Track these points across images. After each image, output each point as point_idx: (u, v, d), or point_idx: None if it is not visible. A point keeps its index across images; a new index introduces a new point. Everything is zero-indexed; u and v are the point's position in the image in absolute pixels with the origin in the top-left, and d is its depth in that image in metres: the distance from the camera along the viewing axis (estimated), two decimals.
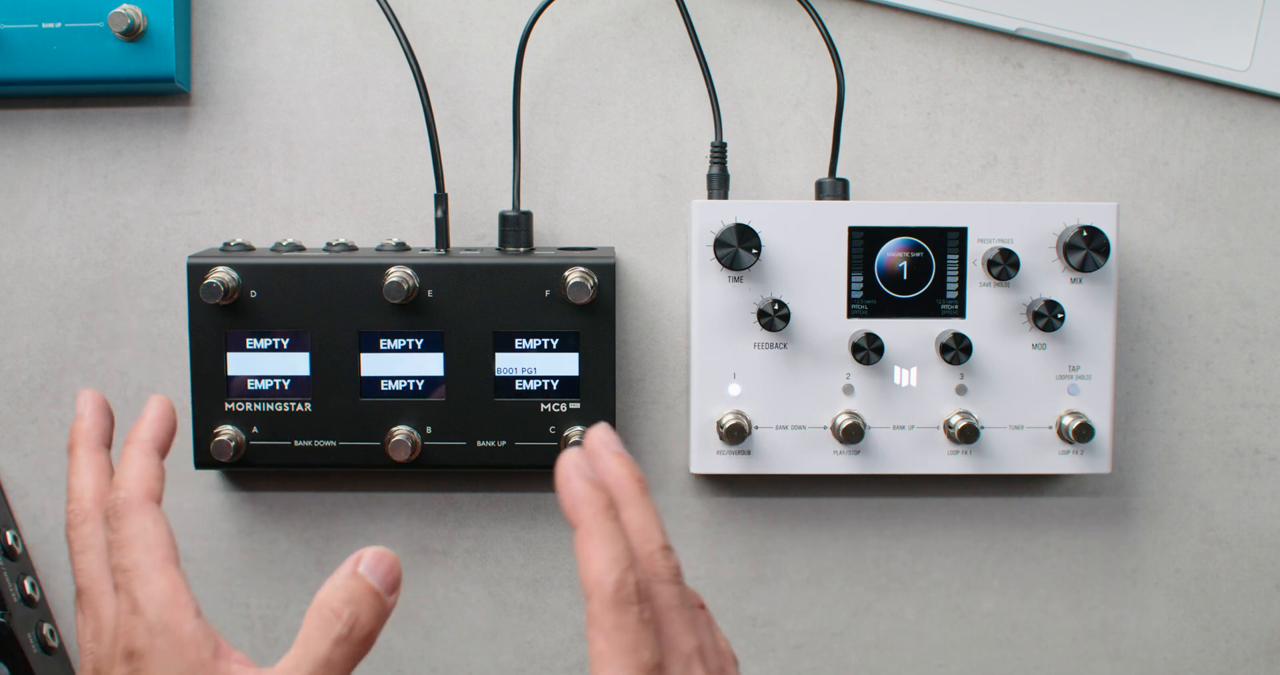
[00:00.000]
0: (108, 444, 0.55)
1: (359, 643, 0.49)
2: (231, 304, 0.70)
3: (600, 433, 0.51)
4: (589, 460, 0.50)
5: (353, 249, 0.72)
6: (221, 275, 0.69)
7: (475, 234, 0.75)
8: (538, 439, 0.71)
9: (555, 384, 0.71)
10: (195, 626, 0.49)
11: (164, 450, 0.54)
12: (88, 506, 0.53)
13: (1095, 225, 0.70)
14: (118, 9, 0.69)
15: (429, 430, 0.71)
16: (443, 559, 0.76)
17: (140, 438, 0.54)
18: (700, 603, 0.53)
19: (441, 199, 0.72)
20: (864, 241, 0.71)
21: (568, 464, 0.49)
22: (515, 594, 0.76)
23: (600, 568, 0.47)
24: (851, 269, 0.71)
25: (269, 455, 0.71)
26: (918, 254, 0.71)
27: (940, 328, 0.71)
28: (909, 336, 0.71)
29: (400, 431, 0.70)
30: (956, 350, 0.70)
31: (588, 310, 0.70)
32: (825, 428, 0.71)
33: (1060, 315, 0.70)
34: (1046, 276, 0.71)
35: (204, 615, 0.49)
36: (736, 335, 0.71)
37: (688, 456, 0.74)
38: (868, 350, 0.70)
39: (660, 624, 0.49)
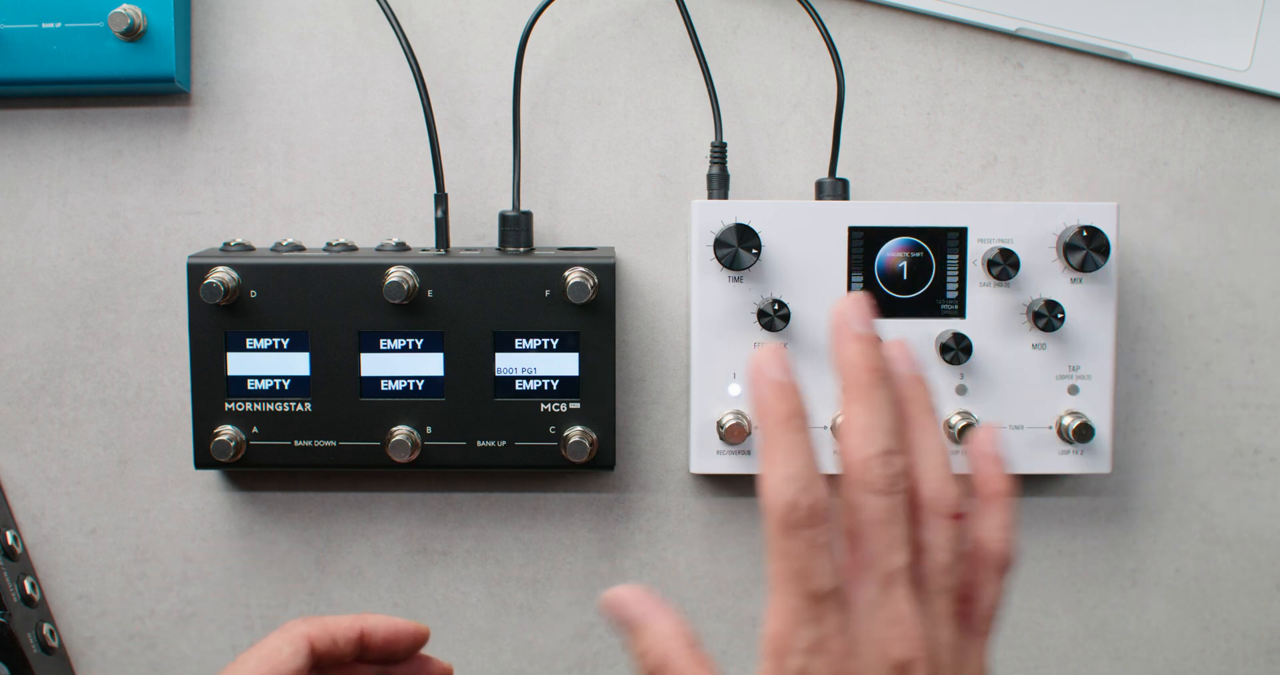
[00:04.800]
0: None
1: None
2: (231, 304, 0.70)
3: (850, 304, 0.46)
4: (834, 333, 0.46)
5: (353, 249, 0.72)
6: (221, 275, 0.69)
7: (475, 234, 0.75)
8: (538, 439, 0.71)
9: (555, 384, 0.71)
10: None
11: None
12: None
13: (1095, 225, 0.70)
14: (118, 9, 0.69)
15: (429, 430, 0.71)
16: (443, 559, 0.76)
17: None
18: (957, 511, 0.46)
19: (441, 199, 0.72)
20: (864, 241, 0.71)
21: (763, 359, 0.45)
22: (515, 594, 0.76)
23: (771, 487, 0.44)
24: (851, 269, 0.71)
25: (269, 455, 0.71)
26: (918, 254, 0.71)
27: (940, 328, 0.71)
28: (909, 336, 0.71)
29: (400, 431, 0.70)
30: (956, 350, 0.70)
31: (588, 310, 0.70)
32: (826, 428, 0.71)
33: (1060, 315, 0.70)
34: (1046, 276, 0.71)
35: None
36: (736, 335, 0.71)
37: (688, 456, 0.74)
38: None
39: (858, 540, 0.45)
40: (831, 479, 0.45)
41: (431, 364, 0.71)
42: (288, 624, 0.55)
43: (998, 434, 0.49)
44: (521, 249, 0.72)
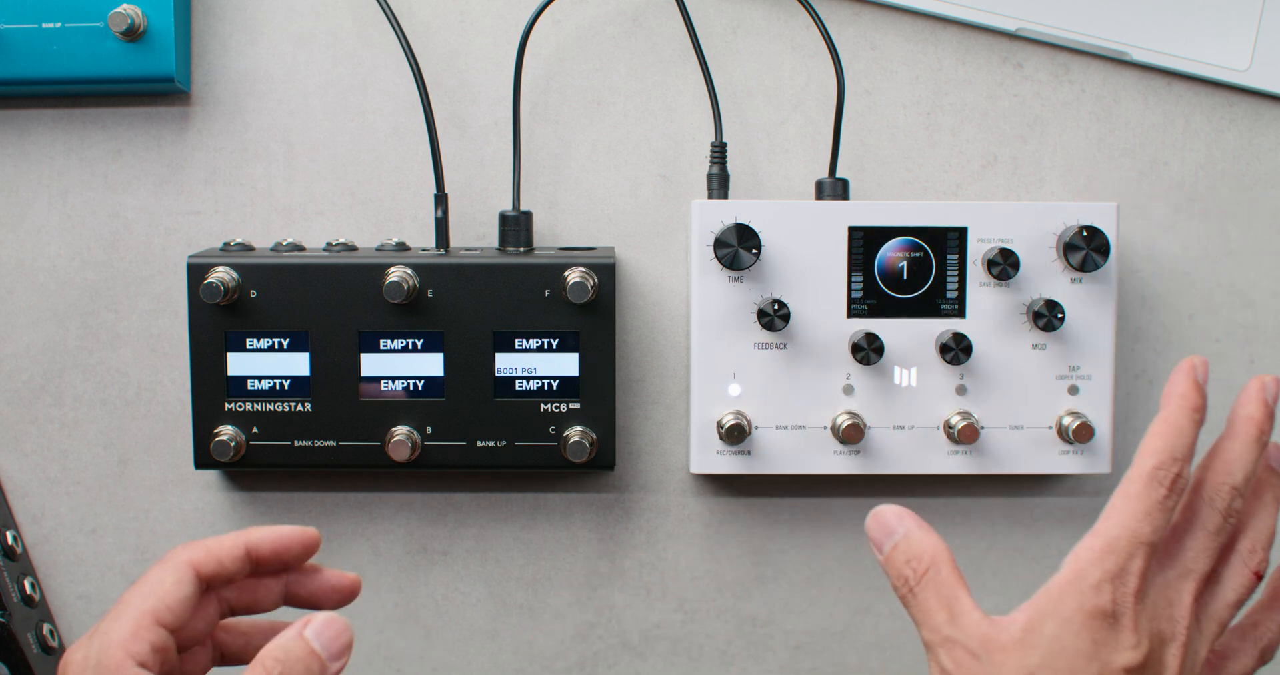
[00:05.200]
0: None
1: None
2: (231, 304, 0.70)
3: (1264, 384, 0.55)
4: (1244, 393, 0.55)
5: (353, 249, 0.72)
6: (221, 275, 0.69)
7: (475, 234, 0.75)
8: (538, 439, 0.71)
9: (555, 384, 0.71)
10: None
11: None
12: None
13: (1095, 225, 0.70)
14: (118, 9, 0.69)
15: (429, 430, 0.71)
16: (443, 559, 0.76)
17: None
18: (1259, 571, 0.55)
19: (441, 199, 0.72)
20: (864, 241, 0.71)
21: (1196, 362, 0.55)
22: (515, 594, 0.76)
23: (1156, 446, 0.53)
24: (851, 269, 0.71)
25: (269, 455, 0.71)
26: (918, 254, 0.71)
27: (940, 328, 0.71)
28: (909, 336, 0.71)
29: (400, 431, 0.70)
30: (956, 350, 0.70)
31: (588, 310, 0.70)
32: (825, 428, 0.71)
33: (1060, 315, 0.70)
34: (1046, 276, 0.71)
35: None
36: (736, 335, 0.71)
37: (688, 456, 0.74)
38: (868, 350, 0.70)
39: (1181, 531, 0.54)
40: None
41: (431, 364, 0.71)
42: (169, 552, 0.54)
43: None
44: (521, 249, 0.72)
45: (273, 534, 0.56)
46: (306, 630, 0.50)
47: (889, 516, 0.56)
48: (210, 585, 0.54)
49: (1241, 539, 0.55)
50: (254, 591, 0.57)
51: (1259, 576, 0.55)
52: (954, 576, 0.54)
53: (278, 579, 0.57)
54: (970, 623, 0.52)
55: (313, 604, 0.58)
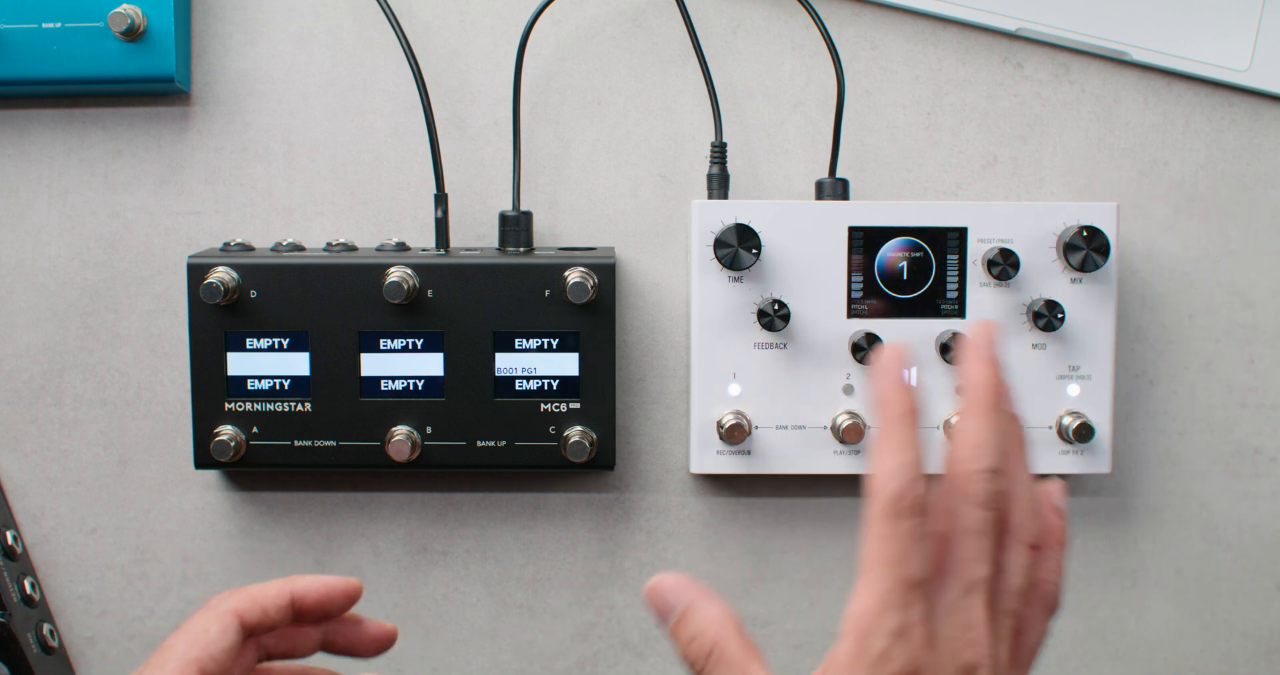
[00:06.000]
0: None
1: None
2: (231, 304, 0.70)
3: (983, 329, 0.49)
4: (964, 351, 0.49)
5: (353, 249, 0.72)
6: (221, 275, 0.69)
7: (475, 234, 0.75)
8: (538, 439, 0.71)
9: (555, 384, 0.71)
10: None
11: None
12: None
13: (1095, 225, 0.70)
14: (118, 9, 0.69)
15: (429, 430, 0.71)
16: (443, 559, 0.76)
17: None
18: (1036, 543, 0.49)
19: (441, 199, 0.72)
20: (864, 241, 0.71)
21: (887, 358, 0.48)
22: (515, 594, 0.76)
23: (883, 474, 0.47)
24: (851, 269, 0.71)
25: (269, 455, 0.71)
26: (918, 254, 0.71)
27: (940, 328, 0.71)
28: (909, 336, 0.71)
29: (400, 431, 0.70)
30: (956, 350, 0.70)
31: (588, 310, 0.70)
32: (825, 428, 0.71)
33: (1060, 315, 0.70)
34: (1046, 276, 0.71)
35: None
36: (736, 335, 0.71)
37: (688, 456, 0.74)
38: (868, 350, 0.70)
39: (950, 545, 0.48)
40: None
41: (431, 364, 0.71)
42: (213, 599, 0.54)
43: (1063, 487, 0.52)
44: (521, 249, 0.72)
45: (319, 584, 0.55)
46: None
47: (665, 590, 0.51)
48: (252, 633, 0.54)
49: (1010, 512, 0.49)
50: (293, 639, 0.57)
51: (1036, 548, 0.50)
52: (742, 650, 0.48)
53: (317, 627, 0.57)
54: None
55: (350, 652, 0.57)
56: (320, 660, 0.58)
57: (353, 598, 0.56)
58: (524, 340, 0.71)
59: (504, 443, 0.71)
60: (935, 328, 0.71)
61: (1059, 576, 0.51)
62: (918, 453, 0.47)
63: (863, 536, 0.47)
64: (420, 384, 0.71)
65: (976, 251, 0.71)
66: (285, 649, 0.57)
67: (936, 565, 0.48)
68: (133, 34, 0.69)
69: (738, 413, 0.71)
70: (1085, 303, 0.71)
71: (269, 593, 0.54)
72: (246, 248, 0.71)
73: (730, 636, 0.49)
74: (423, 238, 0.74)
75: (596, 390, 0.71)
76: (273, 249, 0.72)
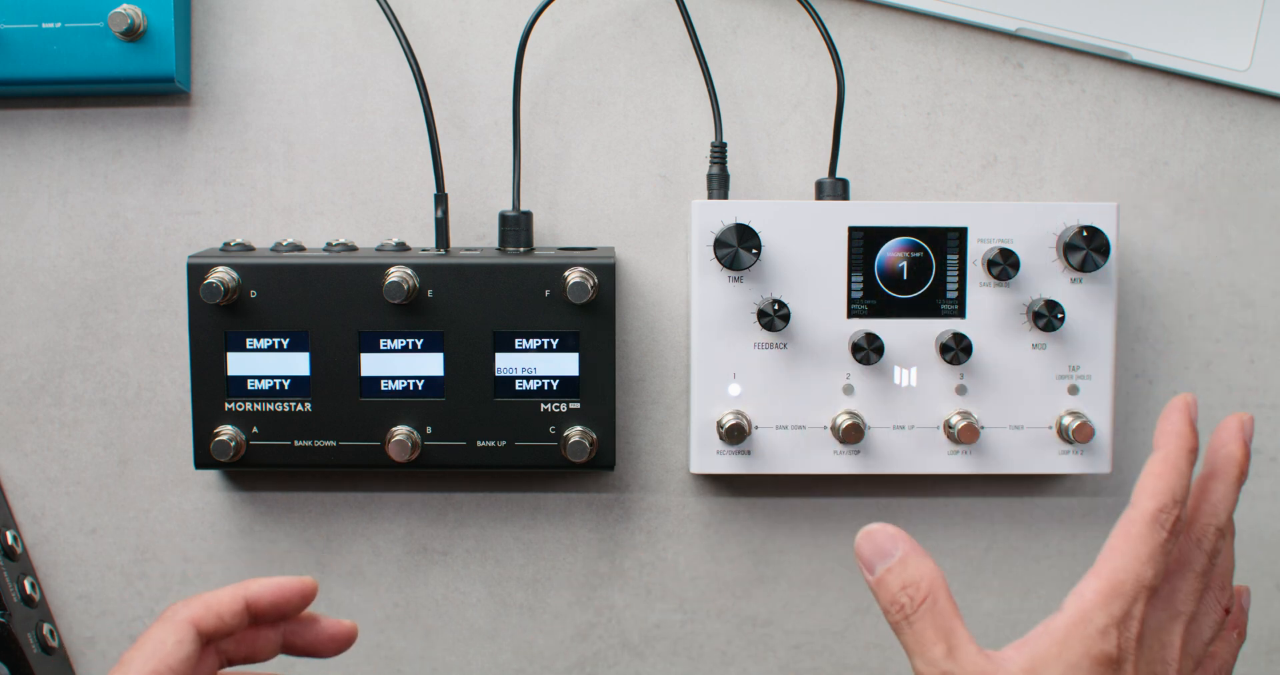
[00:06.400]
0: None
1: None
2: (231, 304, 0.70)
3: (1242, 422, 0.56)
4: (1224, 431, 0.56)
5: (353, 249, 0.72)
6: (221, 275, 0.69)
7: (475, 234, 0.75)
8: (538, 439, 0.71)
9: (555, 384, 0.71)
10: None
11: None
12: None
13: (1095, 225, 0.70)
14: (118, 9, 0.69)
15: (429, 430, 0.71)
16: (443, 559, 0.76)
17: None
18: (1227, 607, 0.56)
19: (441, 199, 0.72)
20: (864, 241, 0.71)
21: (1185, 402, 0.55)
22: (515, 594, 0.76)
23: (1157, 487, 0.52)
24: (851, 269, 0.71)
25: (269, 455, 0.71)
26: (918, 254, 0.71)
27: (940, 328, 0.71)
28: (909, 336, 0.71)
29: (400, 431, 0.70)
30: (956, 350, 0.70)
31: (588, 310, 0.70)
32: (825, 428, 0.71)
33: (1060, 315, 0.70)
34: (1046, 276, 0.71)
35: None
36: (736, 335, 0.71)
37: (688, 456, 0.74)
38: (868, 350, 0.70)
39: (1172, 573, 0.54)
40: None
41: (431, 364, 0.71)
42: (168, 610, 0.54)
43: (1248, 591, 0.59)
44: (521, 249, 0.72)
45: (271, 586, 0.56)
46: None
47: (883, 537, 0.53)
48: (210, 639, 0.55)
49: (1212, 577, 0.56)
50: (252, 643, 0.57)
51: (1228, 613, 0.56)
52: (951, 608, 0.52)
53: (275, 628, 0.57)
54: (968, 658, 0.51)
55: (311, 652, 0.58)
56: (282, 664, 0.58)
57: (308, 597, 0.57)
58: (524, 340, 0.71)
59: (504, 443, 0.71)
60: (935, 328, 0.71)
61: (1233, 659, 0.57)
62: (1187, 488, 0.53)
63: (1114, 532, 0.52)
64: (420, 384, 0.71)
65: (976, 251, 0.71)
66: (245, 653, 0.57)
67: (1158, 590, 0.53)
68: (133, 34, 0.69)
69: (738, 413, 0.71)
70: (1085, 303, 0.71)
71: (223, 598, 0.55)
72: (246, 248, 0.71)
73: (942, 591, 0.52)
74: (423, 238, 0.74)
75: (596, 390, 0.71)
76: (273, 249, 0.72)
